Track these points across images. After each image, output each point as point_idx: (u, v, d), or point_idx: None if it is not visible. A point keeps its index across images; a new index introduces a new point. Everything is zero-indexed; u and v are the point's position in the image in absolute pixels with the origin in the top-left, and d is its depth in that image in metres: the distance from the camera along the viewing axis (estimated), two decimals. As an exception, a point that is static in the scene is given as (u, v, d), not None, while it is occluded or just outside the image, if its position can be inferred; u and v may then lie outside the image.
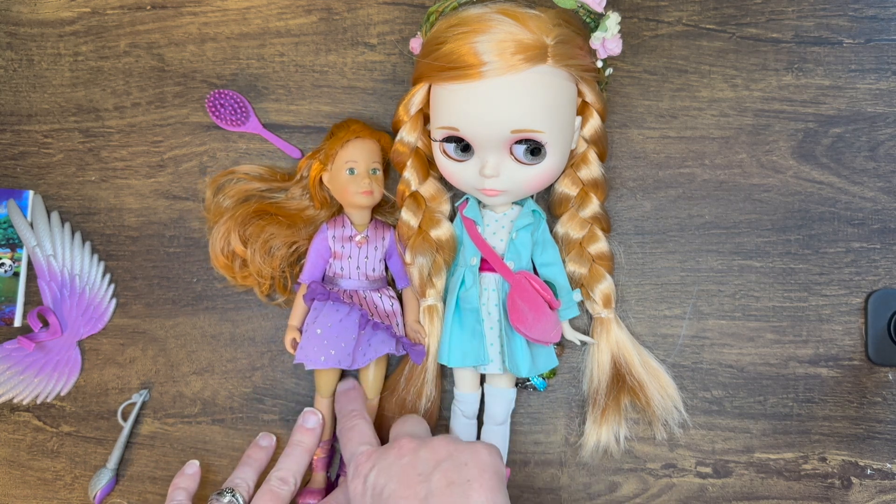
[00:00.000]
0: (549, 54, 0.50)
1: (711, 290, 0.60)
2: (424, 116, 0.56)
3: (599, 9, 0.52)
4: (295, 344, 0.58)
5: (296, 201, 0.60)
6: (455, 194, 0.60)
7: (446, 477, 0.45)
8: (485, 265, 0.56)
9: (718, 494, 0.60)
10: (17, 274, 0.65)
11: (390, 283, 0.61)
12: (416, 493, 0.45)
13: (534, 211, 0.57)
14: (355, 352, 0.55)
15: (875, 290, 0.59)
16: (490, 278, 0.56)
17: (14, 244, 0.65)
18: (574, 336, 0.58)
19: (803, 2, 0.59)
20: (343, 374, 0.61)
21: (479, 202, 0.58)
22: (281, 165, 0.63)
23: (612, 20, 0.52)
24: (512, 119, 0.50)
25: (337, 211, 0.60)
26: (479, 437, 0.59)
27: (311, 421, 0.58)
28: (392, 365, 0.61)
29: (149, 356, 0.64)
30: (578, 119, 0.55)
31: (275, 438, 0.61)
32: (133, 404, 0.64)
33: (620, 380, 0.57)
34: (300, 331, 0.58)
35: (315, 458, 0.59)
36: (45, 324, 0.64)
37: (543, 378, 0.60)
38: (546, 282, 0.56)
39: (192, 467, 0.60)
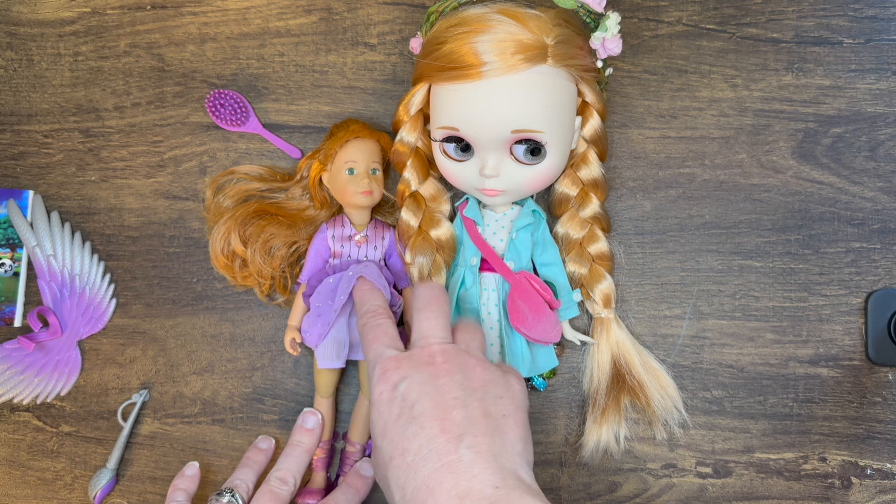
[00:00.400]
0: (549, 54, 0.50)
1: (711, 290, 0.60)
2: (424, 116, 0.56)
3: (599, 9, 0.52)
4: (294, 344, 0.58)
5: (296, 201, 0.60)
6: (455, 194, 0.60)
7: (482, 407, 0.43)
8: (485, 265, 0.56)
9: (718, 494, 0.60)
10: (17, 274, 0.65)
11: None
12: (452, 418, 0.42)
13: (534, 211, 0.57)
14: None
15: (875, 290, 0.59)
16: (490, 278, 0.56)
17: (14, 244, 0.65)
18: (574, 336, 0.58)
19: (803, 2, 0.59)
20: (344, 372, 0.61)
21: (479, 202, 0.58)
22: (281, 165, 0.63)
23: (612, 20, 0.52)
24: (512, 119, 0.50)
25: (337, 211, 0.60)
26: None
27: (310, 421, 0.58)
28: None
29: (149, 356, 0.64)
30: (578, 119, 0.55)
31: (274, 441, 0.61)
32: (133, 404, 0.64)
33: (620, 380, 0.57)
34: (299, 331, 0.58)
35: (315, 458, 0.59)
36: (45, 324, 0.64)
37: (543, 378, 0.60)
38: (546, 282, 0.56)
39: (192, 469, 0.60)
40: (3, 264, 0.65)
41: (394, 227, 0.60)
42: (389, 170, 0.61)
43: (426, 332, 0.47)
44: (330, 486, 0.60)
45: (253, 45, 0.63)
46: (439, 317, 0.48)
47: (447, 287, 0.58)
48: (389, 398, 0.44)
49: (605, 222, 0.58)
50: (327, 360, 0.57)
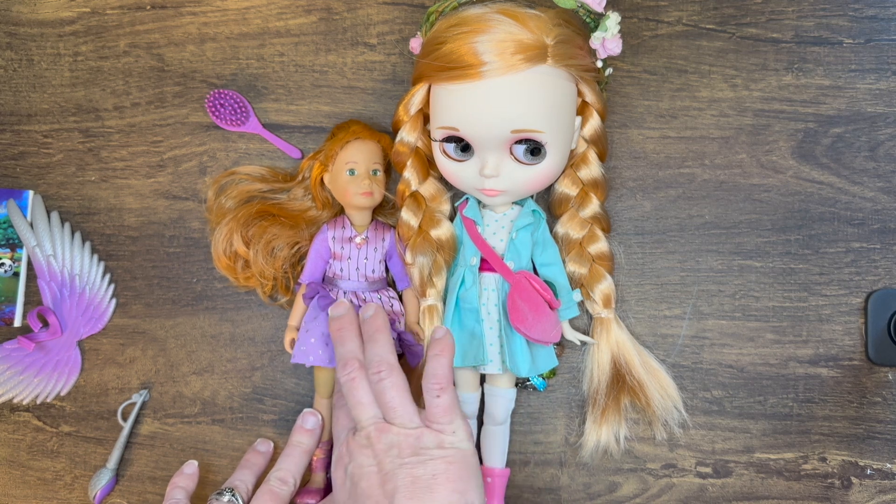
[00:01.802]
0: (549, 54, 0.50)
1: (711, 290, 0.60)
2: (424, 116, 0.56)
3: (599, 9, 0.52)
4: (294, 344, 0.58)
5: (298, 202, 0.60)
6: (455, 194, 0.60)
7: (411, 473, 0.47)
8: (485, 265, 0.56)
9: (718, 494, 0.60)
10: (17, 274, 0.65)
11: (391, 284, 0.61)
12: (385, 492, 0.46)
13: (534, 211, 0.57)
14: None
15: (875, 290, 0.59)
16: (490, 278, 0.56)
17: (14, 244, 0.65)
18: (574, 336, 0.58)
19: (803, 2, 0.59)
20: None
21: (479, 202, 0.57)
22: (281, 166, 0.63)
23: (612, 20, 0.52)
24: (512, 119, 0.50)
25: (339, 211, 0.60)
26: (478, 437, 0.59)
27: (310, 422, 0.58)
28: (392, 365, 0.61)
29: (149, 356, 0.64)
30: (578, 119, 0.55)
31: (272, 445, 0.61)
32: (133, 404, 0.64)
33: (620, 380, 0.57)
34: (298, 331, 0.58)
35: (315, 458, 0.59)
36: (45, 324, 0.64)
37: (543, 378, 0.60)
38: (546, 282, 0.56)
39: (191, 467, 0.60)
40: (3, 264, 0.65)
41: (394, 227, 0.60)
42: (391, 171, 0.61)
43: (358, 418, 0.51)
44: (329, 487, 0.60)
45: (253, 45, 0.63)
46: (362, 400, 0.51)
47: (447, 287, 0.58)
48: (342, 481, 0.50)
49: (605, 222, 0.58)
50: (300, 357, 0.56)
